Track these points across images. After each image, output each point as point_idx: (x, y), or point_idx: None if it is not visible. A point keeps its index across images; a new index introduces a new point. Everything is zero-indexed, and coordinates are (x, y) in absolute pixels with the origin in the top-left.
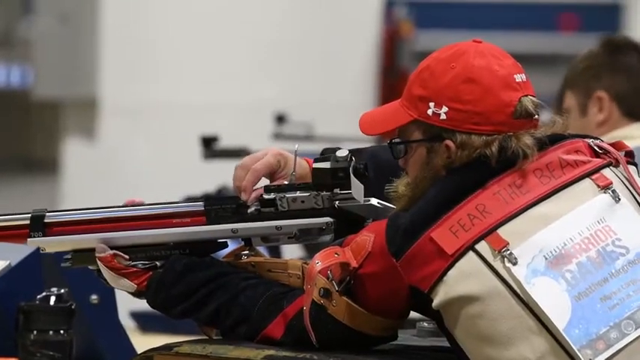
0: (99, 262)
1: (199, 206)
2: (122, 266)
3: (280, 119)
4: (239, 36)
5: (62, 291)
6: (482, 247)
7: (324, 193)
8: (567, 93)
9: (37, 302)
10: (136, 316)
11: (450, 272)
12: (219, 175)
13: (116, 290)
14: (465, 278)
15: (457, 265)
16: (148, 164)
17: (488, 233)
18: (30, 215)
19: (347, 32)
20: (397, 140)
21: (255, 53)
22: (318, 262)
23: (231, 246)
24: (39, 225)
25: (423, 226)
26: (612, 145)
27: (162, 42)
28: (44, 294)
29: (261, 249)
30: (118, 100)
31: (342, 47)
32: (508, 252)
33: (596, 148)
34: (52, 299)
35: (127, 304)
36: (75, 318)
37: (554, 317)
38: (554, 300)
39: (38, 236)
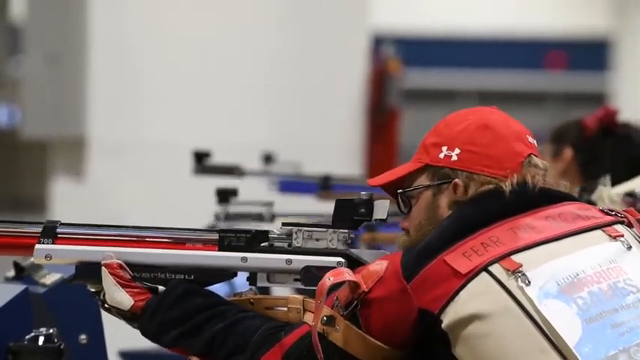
0: (103, 270)
1: (213, 234)
2: (126, 278)
3: (268, 159)
4: (227, 75)
5: (51, 331)
6: (496, 268)
7: (342, 231)
8: None
9: (26, 342)
10: (125, 356)
11: (462, 292)
12: (209, 214)
13: (105, 330)
14: (477, 297)
15: (469, 285)
16: (136, 203)
17: (502, 258)
18: (43, 224)
19: (334, 71)
20: (405, 190)
21: (244, 92)
22: (330, 278)
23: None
24: (50, 233)
25: (436, 250)
26: (625, 210)
27: (150, 81)
28: (33, 334)
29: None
30: (107, 139)
31: (330, 85)
32: (521, 273)
33: (607, 210)
34: (41, 339)
35: (116, 343)
36: (64, 358)
37: (565, 335)
38: (565, 320)
39: (47, 243)
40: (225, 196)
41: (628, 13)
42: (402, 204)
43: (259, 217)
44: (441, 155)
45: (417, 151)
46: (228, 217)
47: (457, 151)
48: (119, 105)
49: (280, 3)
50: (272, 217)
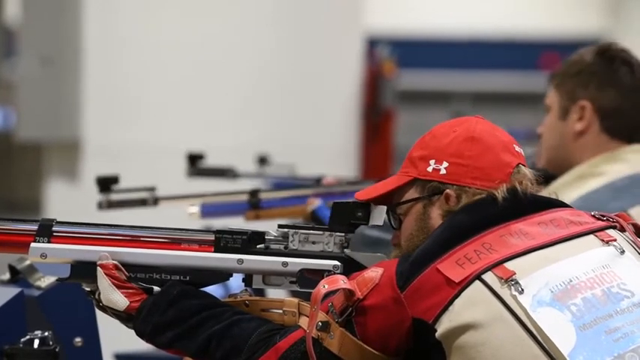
0: (99, 271)
1: (210, 235)
2: (121, 279)
3: (262, 161)
4: (221, 78)
5: (46, 334)
6: (489, 276)
7: (338, 234)
8: (552, 90)
9: (21, 345)
10: (121, 358)
11: (456, 301)
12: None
13: (100, 332)
14: (471, 306)
15: (464, 293)
16: None
17: (495, 265)
18: (39, 222)
19: (329, 72)
20: (396, 205)
21: (238, 94)
22: (325, 286)
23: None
24: (46, 231)
25: (429, 259)
26: (617, 215)
27: (145, 85)
28: (28, 337)
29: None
30: (101, 143)
31: (325, 87)
32: (514, 282)
33: (599, 215)
34: (36, 342)
35: (111, 346)
36: None
37: (559, 343)
38: (559, 328)
39: (43, 242)
40: (105, 184)
41: (621, 13)
42: (392, 219)
43: (143, 202)
44: (429, 169)
45: (404, 164)
46: (111, 204)
47: (445, 164)
48: (114, 108)
49: (275, 5)
50: (155, 201)
